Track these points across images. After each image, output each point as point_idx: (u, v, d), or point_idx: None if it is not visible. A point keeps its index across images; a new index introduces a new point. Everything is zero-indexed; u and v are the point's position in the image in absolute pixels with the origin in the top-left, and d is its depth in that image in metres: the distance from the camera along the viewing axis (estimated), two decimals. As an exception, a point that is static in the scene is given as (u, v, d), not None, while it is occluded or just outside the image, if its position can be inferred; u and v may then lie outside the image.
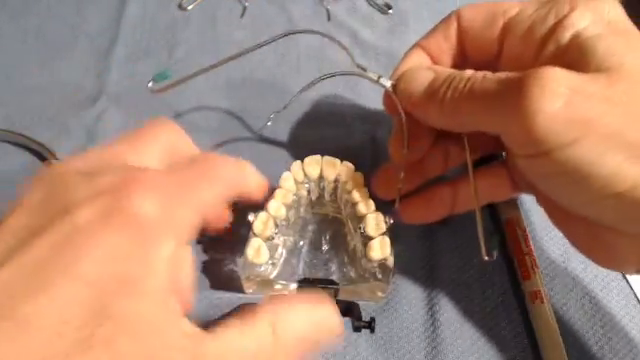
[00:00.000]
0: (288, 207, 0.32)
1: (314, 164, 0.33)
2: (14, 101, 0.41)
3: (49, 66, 0.44)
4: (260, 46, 0.30)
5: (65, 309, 0.19)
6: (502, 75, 0.25)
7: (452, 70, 0.29)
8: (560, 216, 0.30)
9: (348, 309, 0.28)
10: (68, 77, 0.43)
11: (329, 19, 0.48)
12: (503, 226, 0.36)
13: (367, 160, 0.34)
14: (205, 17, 0.47)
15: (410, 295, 0.34)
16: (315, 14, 0.48)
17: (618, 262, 0.28)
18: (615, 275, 0.36)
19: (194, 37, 0.46)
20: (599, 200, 0.24)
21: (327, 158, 0.33)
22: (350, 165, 0.33)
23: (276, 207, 0.31)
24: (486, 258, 0.28)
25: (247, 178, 0.27)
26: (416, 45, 0.32)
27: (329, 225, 0.35)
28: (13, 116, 0.40)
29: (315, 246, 0.34)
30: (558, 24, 0.26)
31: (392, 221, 0.31)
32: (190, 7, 0.48)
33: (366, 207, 0.32)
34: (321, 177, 0.33)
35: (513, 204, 0.37)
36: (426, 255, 0.36)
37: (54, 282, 0.19)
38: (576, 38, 0.25)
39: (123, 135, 0.25)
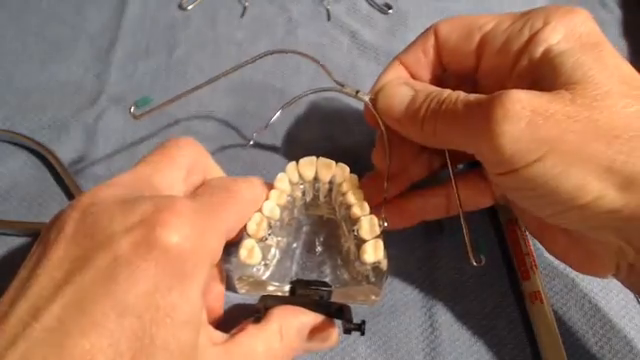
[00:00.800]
0: (282, 208, 0.32)
1: (309, 165, 0.32)
2: (14, 101, 0.41)
3: (49, 66, 0.44)
4: (240, 67, 0.32)
5: (117, 343, 0.20)
6: (471, 97, 0.26)
7: (431, 89, 0.29)
8: (536, 225, 0.31)
9: (339, 311, 0.28)
10: (68, 77, 0.43)
11: (329, 19, 0.48)
12: (503, 227, 0.37)
13: (366, 161, 0.33)
14: (205, 17, 0.47)
15: (409, 296, 0.34)
16: (315, 14, 0.48)
17: (594, 267, 0.29)
18: (615, 275, 0.36)
19: (194, 37, 0.46)
20: (566, 211, 0.25)
21: (322, 160, 0.33)
22: (345, 167, 0.33)
23: (270, 208, 0.31)
24: (474, 264, 0.29)
25: (264, 194, 0.31)
26: (395, 59, 0.32)
27: (323, 226, 0.35)
28: (13, 116, 0.41)
29: (309, 248, 0.34)
30: (531, 39, 0.27)
31: (386, 224, 0.31)
32: (190, 7, 0.48)
33: (360, 209, 0.31)
34: (316, 178, 0.33)
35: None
36: (425, 256, 0.36)
37: (105, 317, 0.20)
38: (547, 54, 0.26)
39: (147, 156, 0.28)
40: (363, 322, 0.27)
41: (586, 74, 0.24)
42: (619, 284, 0.35)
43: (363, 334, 0.27)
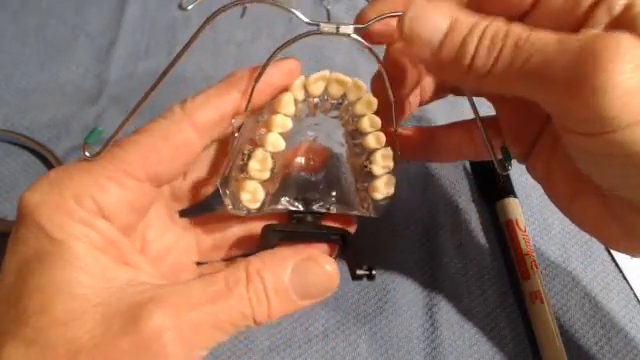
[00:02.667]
0: (285, 136, 0.27)
1: (320, 81, 0.27)
2: (14, 101, 0.41)
3: (49, 66, 0.44)
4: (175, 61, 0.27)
5: None
6: (558, 36, 0.20)
7: (476, 16, 0.22)
8: (568, 193, 0.27)
9: (344, 239, 0.27)
10: (68, 77, 0.43)
11: (329, 19, 0.48)
12: (503, 227, 0.36)
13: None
14: (205, 17, 0.47)
15: (410, 295, 0.34)
16: (315, 14, 0.48)
17: (631, 244, 0.26)
18: (615, 275, 0.36)
19: (194, 37, 0.46)
20: None
21: (336, 75, 0.27)
22: (362, 85, 0.27)
23: (273, 141, 0.26)
24: (503, 173, 0.26)
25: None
26: None
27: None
28: (13, 116, 0.40)
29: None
30: None
31: (400, 157, 0.27)
32: (190, 7, 0.48)
33: (376, 141, 0.27)
34: (325, 94, 0.27)
35: (513, 204, 0.37)
36: (426, 256, 0.36)
37: None
38: (629, 10, 0.21)
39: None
40: (371, 267, 0.26)
41: None
42: (619, 284, 0.35)
43: (373, 279, 0.26)
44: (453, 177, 0.39)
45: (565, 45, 0.20)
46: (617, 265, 0.36)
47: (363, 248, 0.36)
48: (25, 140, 0.39)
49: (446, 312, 0.34)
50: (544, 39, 0.21)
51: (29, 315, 0.21)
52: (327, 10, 0.48)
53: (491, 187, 0.38)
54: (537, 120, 0.27)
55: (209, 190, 0.28)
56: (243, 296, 0.22)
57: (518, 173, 0.39)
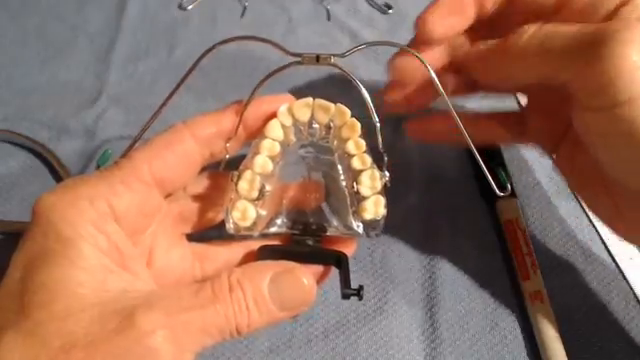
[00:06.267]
0: (274, 159, 0.28)
1: (304, 107, 0.28)
2: (14, 101, 0.41)
3: (49, 66, 0.44)
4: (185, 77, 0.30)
5: None
6: (580, 25, 0.25)
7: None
8: (584, 178, 0.30)
9: (338, 261, 0.28)
10: (68, 77, 0.43)
11: (329, 19, 0.48)
12: (503, 227, 0.36)
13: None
14: (205, 17, 0.47)
15: (410, 295, 0.34)
16: (315, 14, 0.48)
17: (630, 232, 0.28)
18: (615, 275, 0.36)
19: (194, 37, 0.46)
20: None
21: (319, 101, 0.28)
22: (346, 110, 0.28)
23: (262, 163, 0.28)
24: (500, 194, 0.28)
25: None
26: None
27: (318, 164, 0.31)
28: (13, 116, 0.40)
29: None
30: (619, 8, 0.25)
31: (388, 177, 0.28)
32: (190, 7, 0.48)
33: (361, 162, 0.28)
34: (312, 121, 0.29)
35: (513, 204, 0.37)
36: (426, 256, 0.36)
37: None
38: None
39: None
40: (361, 287, 0.26)
41: None
42: (619, 284, 0.35)
43: (361, 299, 0.26)
44: (453, 177, 0.39)
45: (584, 28, 0.24)
46: (617, 265, 0.36)
47: (363, 248, 0.36)
48: (25, 140, 0.39)
49: (446, 312, 0.34)
50: (569, 26, 0.25)
51: (31, 309, 0.21)
52: (327, 10, 0.48)
53: (491, 187, 0.38)
54: (562, 123, 0.30)
55: (214, 212, 0.30)
56: (227, 302, 0.23)
57: (518, 173, 0.39)
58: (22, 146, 0.39)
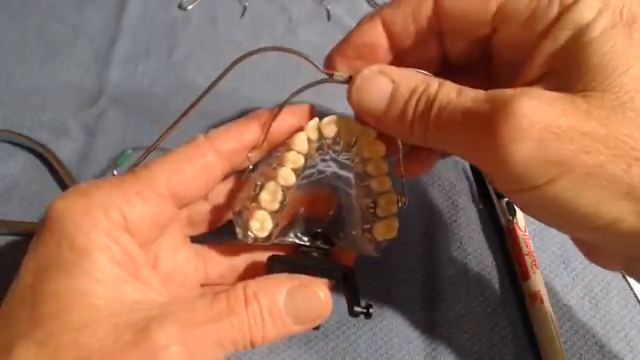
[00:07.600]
0: (297, 172, 0.29)
1: (332, 124, 0.29)
2: (14, 101, 0.41)
3: (49, 66, 0.44)
4: (214, 83, 0.29)
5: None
6: (468, 101, 0.23)
7: (414, 80, 0.25)
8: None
9: (344, 277, 0.28)
10: (68, 77, 0.43)
11: (329, 19, 0.48)
12: (503, 227, 0.37)
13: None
14: (205, 17, 0.47)
15: (410, 295, 0.34)
16: (315, 14, 0.48)
17: (603, 262, 0.28)
18: (615, 275, 0.36)
19: (194, 37, 0.46)
20: (580, 230, 0.24)
21: (347, 119, 0.29)
22: (371, 131, 0.28)
23: (286, 176, 0.28)
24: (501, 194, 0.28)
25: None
26: (375, 16, 0.27)
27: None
28: (13, 116, 0.40)
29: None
30: (560, 16, 0.23)
31: (405, 202, 0.29)
32: (190, 7, 0.48)
33: (379, 185, 0.29)
34: (337, 137, 0.29)
35: (513, 204, 0.37)
36: (426, 256, 0.36)
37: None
38: (576, 40, 0.22)
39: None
40: (370, 305, 0.27)
41: (612, 74, 0.21)
42: (619, 284, 0.35)
43: (370, 317, 0.27)
44: (453, 177, 0.39)
45: (477, 115, 0.22)
46: (617, 265, 0.36)
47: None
48: (25, 140, 0.39)
49: (446, 312, 0.34)
50: (459, 107, 0.23)
51: (44, 318, 0.21)
52: (327, 10, 0.48)
53: (491, 187, 0.38)
54: None
55: (224, 218, 0.30)
56: (243, 315, 0.23)
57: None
58: (22, 146, 0.39)
